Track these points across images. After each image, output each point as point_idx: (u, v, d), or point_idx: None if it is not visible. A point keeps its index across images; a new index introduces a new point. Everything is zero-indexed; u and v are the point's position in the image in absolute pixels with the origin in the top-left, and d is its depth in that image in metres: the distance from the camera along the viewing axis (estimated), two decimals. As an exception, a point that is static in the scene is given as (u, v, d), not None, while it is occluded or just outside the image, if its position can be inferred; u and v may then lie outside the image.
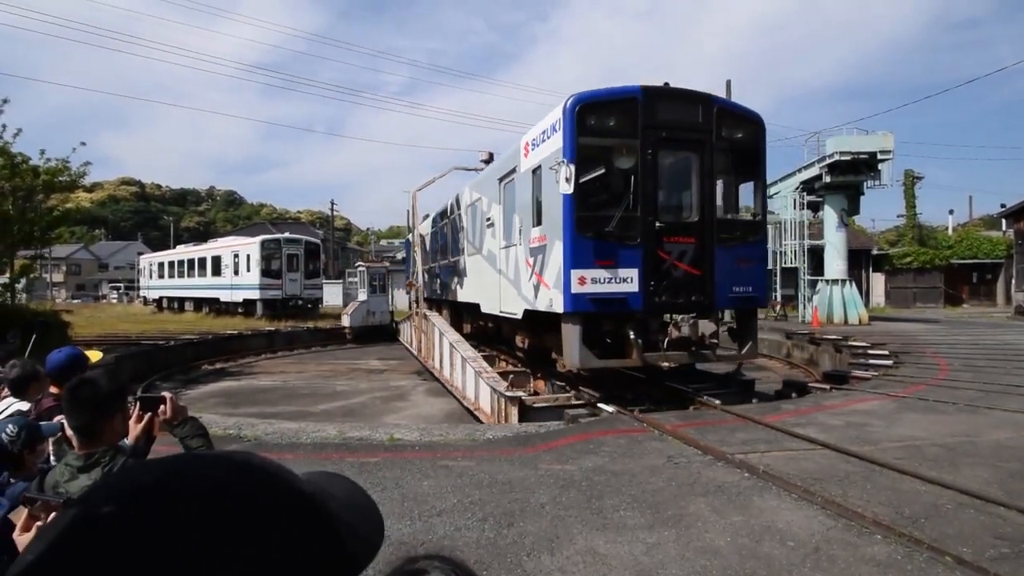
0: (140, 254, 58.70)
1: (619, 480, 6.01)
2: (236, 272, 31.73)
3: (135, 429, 2.70)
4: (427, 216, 23.07)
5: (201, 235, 75.77)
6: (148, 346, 19.30)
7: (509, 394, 10.23)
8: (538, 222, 10.69)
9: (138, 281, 51.31)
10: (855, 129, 24.47)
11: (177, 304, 38.65)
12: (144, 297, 46.67)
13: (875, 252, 38.84)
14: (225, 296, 32.71)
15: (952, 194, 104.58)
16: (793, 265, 26.49)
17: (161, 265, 42.12)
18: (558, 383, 12.02)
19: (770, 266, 27.84)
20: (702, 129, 10.06)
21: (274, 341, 24.71)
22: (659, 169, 10.03)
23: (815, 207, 26.50)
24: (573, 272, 9.42)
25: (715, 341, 10.18)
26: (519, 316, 11.75)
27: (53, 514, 1.59)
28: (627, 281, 9.53)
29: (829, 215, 24.92)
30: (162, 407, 2.79)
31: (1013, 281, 30.69)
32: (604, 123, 9.82)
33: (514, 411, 9.91)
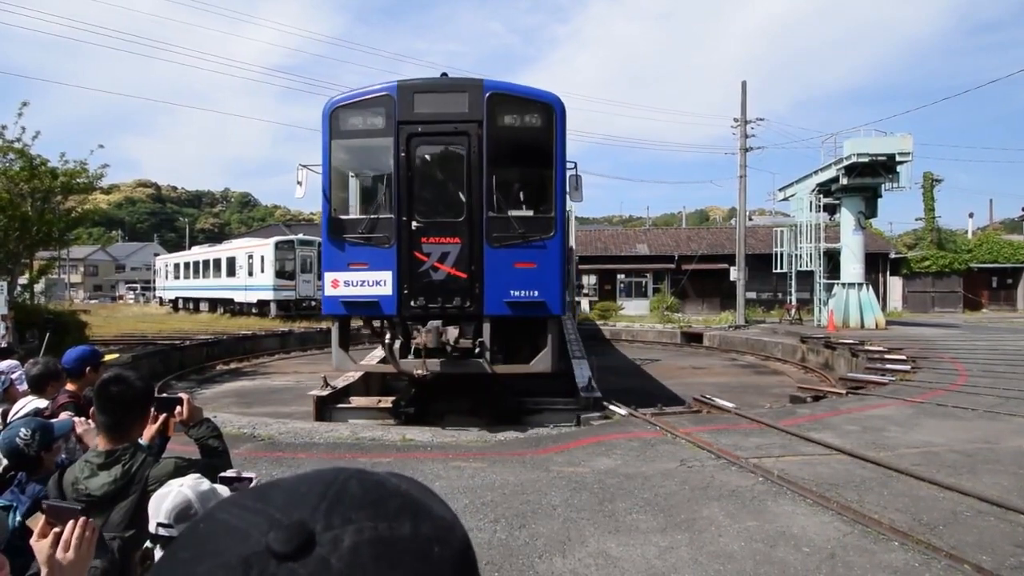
0: (156, 255, 59.24)
1: (631, 483, 5.99)
2: (250, 273, 31.95)
3: (149, 429, 2.73)
4: None
5: (216, 237, 76.38)
6: (164, 346, 19.48)
7: (313, 392, 10.63)
8: None
9: (154, 282, 51.83)
10: (873, 130, 24.20)
11: (192, 304, 38.97)
12: (160, 298, 47.11)
13: (893, 255, 38.32)
14: (239, 297, 32.94)
15: (972, 197, 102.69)
16: (809, 268, 26.19)
17: (177, 266, 42.53)
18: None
19: (784, 269, 27.58)
20: (468, 119, 9.32)
21: (287, 342, 24.84)
22: (415, 166, 9.47)
23: (832, 209, 26.17)
24: (327, 275, 9.46)
25: (478, 349, 9.39)
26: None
27: (71, 522, 1.60)
28: (380, 284, 9.22)
29: (846, 218, 24.66)
30: (178, 408, 2.82)
31: (1033, 285, 30.20)
32: (361, 124, 9.52)
33: (312, 408, 10.40)
